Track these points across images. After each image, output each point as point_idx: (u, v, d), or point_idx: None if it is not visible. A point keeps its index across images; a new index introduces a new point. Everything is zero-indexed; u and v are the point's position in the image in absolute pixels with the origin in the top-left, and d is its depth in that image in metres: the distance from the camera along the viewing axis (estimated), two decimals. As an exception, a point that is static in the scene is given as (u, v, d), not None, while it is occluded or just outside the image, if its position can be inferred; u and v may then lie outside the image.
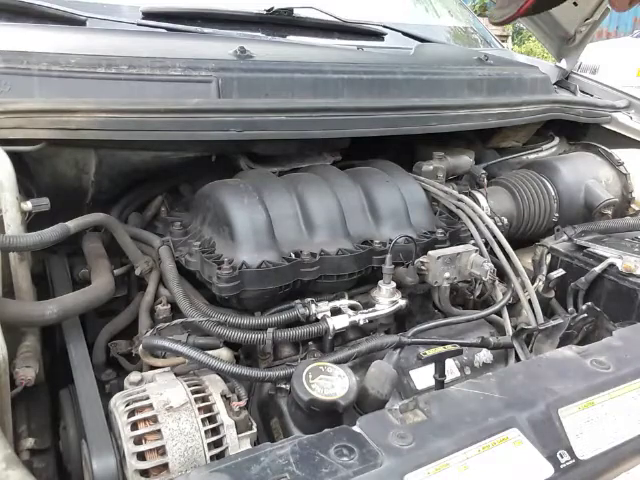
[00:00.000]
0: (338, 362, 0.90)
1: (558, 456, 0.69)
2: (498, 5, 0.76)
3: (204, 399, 0.81)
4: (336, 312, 1.03)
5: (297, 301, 1.03)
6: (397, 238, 1.12)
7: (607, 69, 6.72)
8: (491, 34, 2.18)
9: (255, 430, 0.82)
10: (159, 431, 0.75)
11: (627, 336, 0.89)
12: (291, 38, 1.59)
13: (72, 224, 1.00)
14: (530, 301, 1.18)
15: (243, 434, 0.80)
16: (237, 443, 0.79)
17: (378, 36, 1.71)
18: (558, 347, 0.91)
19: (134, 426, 0.76)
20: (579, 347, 0.85)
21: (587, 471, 0.69)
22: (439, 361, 0.96)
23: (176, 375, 0.87)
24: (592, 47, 5.85)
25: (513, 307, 1.24)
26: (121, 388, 0.87)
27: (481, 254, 1.22)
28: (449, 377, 1.02)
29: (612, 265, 1.21)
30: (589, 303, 1.13)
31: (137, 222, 1.25)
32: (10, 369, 0.81)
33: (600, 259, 1.24)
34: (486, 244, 1.25)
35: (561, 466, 0.68)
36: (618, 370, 0.80)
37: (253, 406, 0.93)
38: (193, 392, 0.81)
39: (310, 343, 1.03)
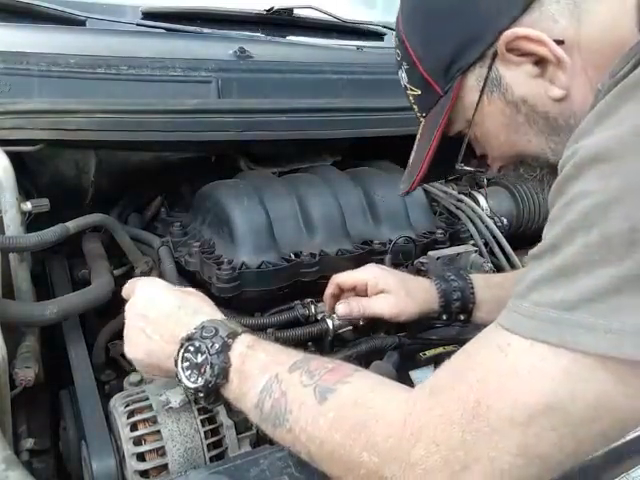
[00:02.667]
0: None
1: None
2: (403, 177, 0.88)
3: (204, 400, 0.81)
4: (336, 312, 1.02)
5: (297, 301, 1.03)
6: (397, 238, 1.12)
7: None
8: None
9: (255, 431, 0.82)
10: (159, 432, 0.75)
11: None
12: (291, 38, 1.59)
13: (72, 224, 1.00)
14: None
15: (243, 435, 0.80)
16: (237, 444, 0.79)
17: (378, 36, 1.71)
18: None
19: (134, 427, 0.75)
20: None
21: (586, 471, 0.69)
22: (439, 361, 0.96)
23: (176, 376, 0.87)
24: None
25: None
26: (121, 389, 0.87)
27: (481, 254, 1.21)
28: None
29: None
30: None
31: (137, 222, 1.25)
32: (10, 369, 0.81)
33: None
34: (486, 244, 1.25)
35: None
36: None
37: (253, 406, 0.93)
38: (193, 393, 0.81)
39: (310, 344, 1.03)
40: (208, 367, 0.66)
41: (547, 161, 0.74)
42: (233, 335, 0.68)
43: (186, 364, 0.68)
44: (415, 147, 0.84)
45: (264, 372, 0.65)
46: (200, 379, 0.67)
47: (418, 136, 0.83)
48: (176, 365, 0.69)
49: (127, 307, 0.78)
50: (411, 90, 0.79)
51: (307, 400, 0.60)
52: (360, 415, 0.57)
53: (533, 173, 0.80)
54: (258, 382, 0.64)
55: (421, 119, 0.81)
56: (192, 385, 0.67)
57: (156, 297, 0.77)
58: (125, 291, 0.82)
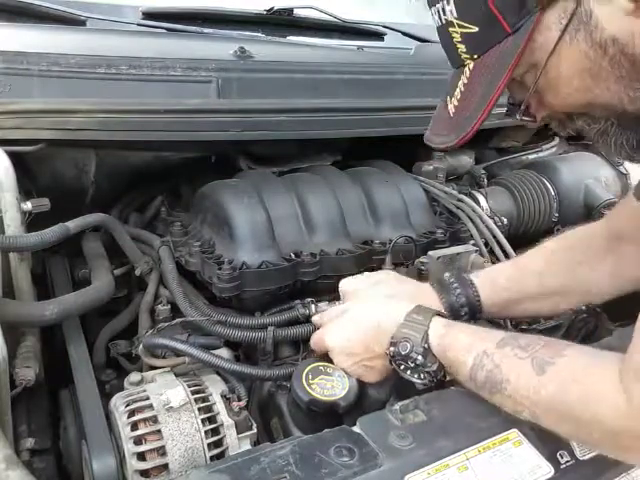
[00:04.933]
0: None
1: (558, 456, 0.69)
2: (434, 131, 0.78)
3: (204, 399, 0.81)
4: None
5: (297, 301, 1.03)
6: (397, 238, 1.12)
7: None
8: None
9: (255, 430, 0.82)
10: (159, 431, 0.75)
11: (627, 336, 0.89)
12: (291, 38, 1.59)
13: (72, 224, 1.00)
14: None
15: (243, 434, 0.80)
16: (237, 443, 0.79)
17: (378, 36, 1.71)
18: (558, 347, 0.91)
19: (134, 426, 0.76)
20: (579, 347, 0.85)
21: (587, 471, 0.69)
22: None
23: (176, 375, 0.87)
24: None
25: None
26: (121, 388, 0.87)
27: (481, 254, 1.21)
28: (449, 377, 1.01)
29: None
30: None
31: (137, 222, 1.25)
32: (10, 369, 0.81)
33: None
34: (486, 244, 1.25)
35: (561, 466, 0.68)
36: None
37: (253, 406, 0.93)
38: (193, 392, 0.81)
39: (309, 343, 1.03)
40: (424, 374, 0.75)
41: (619, 110, 0.68)
42: (425, 337, 0.75)
43: (403, 368, 0.77)
44: (459, 94, 0.73)
45: (469, 351, 0.72)
46: (424, 376, 0.76)
47: (464, 80, 0.72)
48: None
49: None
50: (462, 27, 0.68)
51: (524, 371, 0.65)
52: (580, 393, 0.61)
53: (595, 125, 0.72)
54: (467, 360, 0.71)
55: (468, 61, 0.71)
56: (421, 382, 0.76)
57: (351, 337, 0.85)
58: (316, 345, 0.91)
